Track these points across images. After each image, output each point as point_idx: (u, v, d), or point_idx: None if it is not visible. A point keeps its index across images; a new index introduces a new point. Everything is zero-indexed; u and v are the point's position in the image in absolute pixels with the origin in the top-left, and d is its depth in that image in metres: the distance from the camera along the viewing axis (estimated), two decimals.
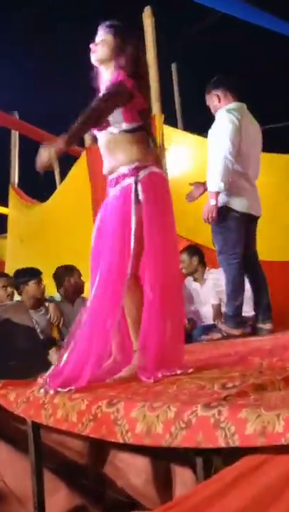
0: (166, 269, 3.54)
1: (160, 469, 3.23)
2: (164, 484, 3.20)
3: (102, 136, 3.63)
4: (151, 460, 3.27)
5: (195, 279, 6.94)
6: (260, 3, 9.58)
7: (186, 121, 10.18)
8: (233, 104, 5.64)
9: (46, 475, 3.50)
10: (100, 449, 3.47)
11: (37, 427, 3.42)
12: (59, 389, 3.29)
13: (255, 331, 5.59)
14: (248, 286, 5.71)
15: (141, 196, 3.54)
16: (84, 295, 6.63)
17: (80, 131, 3.54)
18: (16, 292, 6.61)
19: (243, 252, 5.58)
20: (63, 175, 10.39)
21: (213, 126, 5.63)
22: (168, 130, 7.70)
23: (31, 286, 6.40)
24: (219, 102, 5.68)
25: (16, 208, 10.91)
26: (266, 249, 5.83)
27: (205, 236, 6.85)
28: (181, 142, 8.21)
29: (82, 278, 6.76)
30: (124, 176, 3.59)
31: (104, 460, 3.49)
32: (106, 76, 3.69)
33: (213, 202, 5.39)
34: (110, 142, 3.62)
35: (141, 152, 3.63)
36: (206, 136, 5.95)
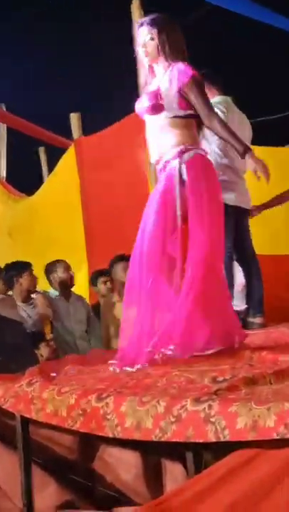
0: (212, 246, 3.66)
1: (150, 464, 3.21)
2: (154, 479, 3.18)
3: (154, 121, 3.81)
4: (141, 455, 3.25)
5: None
6: None
7: None
8: (218, 98, 5.61)
9: (35, 470, 3.47)
10: (90, 443, 3.44)
11: (26, 421, 3.39)
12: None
13: (245, 325, 5.57)
14: (239, 280, 5.69)
15: (185, 176, 3.70)
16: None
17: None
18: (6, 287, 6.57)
19: (238, 246, 5.55)
20: (51, 167, 10.35)
21: None
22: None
23: (25, 278, 6.37)
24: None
25: (3, 202, 10.84)
26: (257, 243, 5.80)
27: None
28: None
29: (71, 270, 6.72)
30: (170, 160, 3.76)
31: (94, 455, 3.47)
32: (160, 71, 3.88)
33: None
34: (162, 127, 3.79)
35: (189, 136, 3.82)
36: None
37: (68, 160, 8.67)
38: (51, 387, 3.23)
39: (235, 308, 5.61)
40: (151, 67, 3.91)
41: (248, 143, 5.70)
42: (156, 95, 3.78)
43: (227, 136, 3.87)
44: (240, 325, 3.84)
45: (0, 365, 4.05)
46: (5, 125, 10.87)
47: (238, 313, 5.69)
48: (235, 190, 5.52)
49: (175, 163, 3.73)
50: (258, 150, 6.01)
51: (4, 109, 10.53)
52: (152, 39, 3.80)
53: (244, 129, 5.67)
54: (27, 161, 12.10)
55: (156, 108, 3.78)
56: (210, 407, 2.40)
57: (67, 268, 6.73)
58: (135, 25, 7.08)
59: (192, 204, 3.66)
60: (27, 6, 12.47)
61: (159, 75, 3.88)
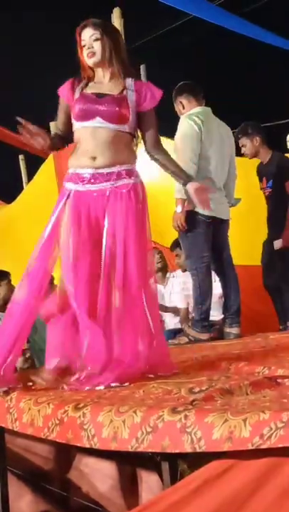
0: (142, 271, 3.52)
1: (126, 474, 3.21)
2: (129, 489, 3.18)
3: (107, 130, 3.53)
4: (117, 465, 3.25)
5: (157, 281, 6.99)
6: (230, 6, 9.63)
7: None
8: (196, 109, 5.65)
9: (11, 480, 3.46)
10: (66, 454, 3.44)
11: (1, 431, 3.38)
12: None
13: (222, 335, 5.59)
14: (215, 290, 5.71)
15: (141, 196, 3.59)
16: None
17: None
18: None
19: (216, 256, 5.58)
20: (30, 176, 10.34)
21: (176, 132, 5.63)
22: (137, 133, 7.67)
23: (2, 287, 6.35)
24: (183, 108, 5.70)
25: None
26: (234, 253, 5.82)
27: (168, 239, 6.86)
28: None
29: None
30: (130, 173, 3.58)
31: (70, 465, 3.46)
32: (103, 75, 3.64)
33: (179, 209, 5.39)
34: (115, 137, 3.53)
35: (136, 155, 3.67)
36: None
37: (47, 168, 8.68)
38: (28, 396, 3.22)
39: (212, 318, 5.64)
40: (91, 69, 3.65)
41: (229, 157, 5.73)
42: (123, 104, 3.55)
43: (171, 165, 3.85)
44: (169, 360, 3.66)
45: None
46: None
47: (214, 323, 5.72)
48: (211, 200, 5.53)
49: (137, 180, 3.61)
50: (239, 161, 6.06)
51: None
52: (97, 40, 3.57)
53: (223, 142, 5.70)
54: (6, 169, 12.09)
55: (122, 117, 3.55)
56: (186, 417, 2.40)
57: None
58: None
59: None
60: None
61: (101, 79, 3.64)
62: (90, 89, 3.62)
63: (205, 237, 5.51)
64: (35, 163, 9.52)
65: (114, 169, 3.52)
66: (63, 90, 3.67)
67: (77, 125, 3.60)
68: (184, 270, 6.46)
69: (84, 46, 3.59)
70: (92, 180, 3.52)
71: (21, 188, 10.94)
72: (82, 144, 3.59)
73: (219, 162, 5.63)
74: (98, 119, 3.51)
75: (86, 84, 3.64)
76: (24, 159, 11.55)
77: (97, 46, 3.57)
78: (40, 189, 9.11)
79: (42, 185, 8.99)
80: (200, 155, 5.44)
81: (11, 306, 3.63)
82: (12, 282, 6.50)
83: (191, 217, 5.44)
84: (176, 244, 6.45)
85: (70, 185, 3.59)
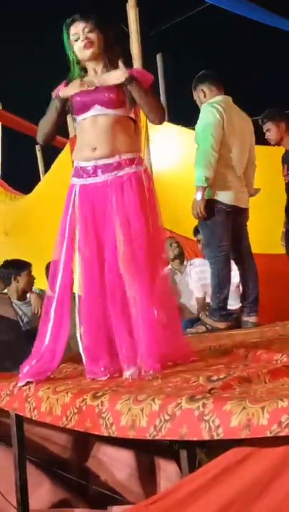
0: (152, 259, 3.49)
1: (144, 463, 3.23)
2: (148, 478, 3.19)
3: (107, 117, 3.50)
4: (136, 454, 3.26)
5: (174, 270, 6.98)
6: None
7: (172, 113, 10.15)
8: (217, 98, 5.63)
9: (30, 469, 3.47)
10: (84, 442, 3.45)
11: (20, 420, 3.39)
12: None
13: (239, 324, 5.58)
14: (233, 279, 5.69)
15: (146, 184, 3.51)
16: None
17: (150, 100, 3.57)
18: (1, 284, 6.57)
19: (235, 245, 5.56)
20: (47, 166, 10.35)
21: (198, 120, 5.62)
22: (139, 118, 7.66)
23: (23, 277, 6.37)
24: (205, 96, 5.68)
25: (1, 201, 10.86)
26: (252, 241, 5.80)
27: (186, 227, 6.84)
28: (166, 133, 8.17)
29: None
30: (131, 162, 3.51)
31: (88, 454, 3.48)
32: (96, 68, 3.58)
33: (199, 197, 5.36)
34: (115, 124, 3.50)
35: (140, 143, 3.64)
36: (193, 129, 5.93)
37: (64, 159, 8.67)
38: (46, 385, 3.23)
39: (230, 306, 5.63)
40: (81, 67, 3.61)
41: (249, 146, 5.72)
42: (119, 90, 3.49)
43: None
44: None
45: None
46: (0, 123, 10.88)
47: (232, 312, 5.71)
48: (232, 189, 5.53)
49: (141, 168, 3.54)
50: (259, 149, 6.03)
51: (0, 108, 10.54)
52: (91, 31, 3.51)
53: (243, 130, 5.68)
54: (23, 160, 12.11)
55: (119, 102, 3.49)
56: (204, 405, 2.40)
57: None
58: (131, 25, 7.14)
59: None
60: (26, 6, 12.49)
61: (92, 75, 3.59)
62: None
63: (224, 226, 5.49)
64: (52, 153, 9.53)
65: (114, 159, 3.48)
66: (60, 88, 3.65)
67: (77, 119, 3.59)
68: None
69: (77, 40, 3.55)
70: (95, 173, 3.51)
71: (38, 179, 10.96)
72: (83, 135, 3.58)
73: (240, 150, 5.61)
74: (97, 106, 3.49)
75: (80, 80, 3.61)
76: (41, 149, 11.57)
77: (94, 37, 3.53)
78: (57, 179, 9.10)
79: (59, 175, 8.98)
80: (221, 143, 5.42)
81: (45, 301, 3.61)
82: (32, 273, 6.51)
83: (210, 205, 5.42)
84: (198, 230, 6.42)
85: (75, 180, 3.59)
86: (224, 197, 5.46)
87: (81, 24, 3.54)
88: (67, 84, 3.61)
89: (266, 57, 12.87)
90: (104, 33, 3.57)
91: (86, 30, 3.53)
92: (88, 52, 3.54)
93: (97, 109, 3.50)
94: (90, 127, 3.51)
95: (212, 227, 5.48)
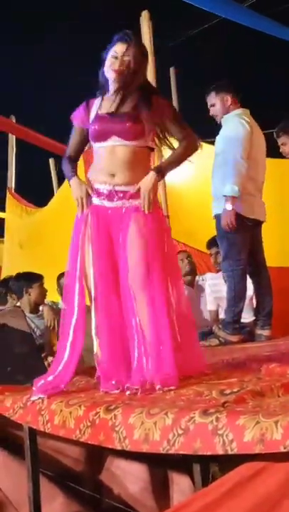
0: (165, 276, 3.51)
1: (157, 476, 3.21)
2: (161, 492, 3.18)
3: (125, 148, 3.50)
4: (149, 467, 3.25)
5: (187, 284, 6.97)
6: (258, 7, 9.60)
7: None
8: (241, 110, 5.63)
9: (43, 482, 3.47)
10: (97, 455, 3.44)
11: (33, 433, 3.39)
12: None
13: (253, 338, 5.57)
14: (247, 292, 5.68)
15: (157, 216, 3.57)
16: None
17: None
18: (14, 297, 6.59)
19: (251, 258, 5.54)
20: (61, 178, 10.38)
21: (224, 130, 5.59)
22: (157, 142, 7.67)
23: (35, 289, 6.39)
24: (230, 105, 5.65)
25: (13, 213, 10.90)
26: (267, 254, 5.79)
27: (198, 240, 6.84)
28: None
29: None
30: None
31: (101, 467, 3.47)
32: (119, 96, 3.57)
33: (230, 207, 5.32)
34: (133, 154, 3.51)
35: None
36: (206, 142, 5.90)
37: (78, 172, 8.69)
38: (59, 398, 3.24)
39: (243, 319, 5.62)
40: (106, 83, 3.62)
41: (264, 163, 5.71)
42: (137, 120, 3.49)
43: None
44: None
45: (8, 376, 4.05)
46: (14, 136, 10.93)
47: (245, 325, 5.70)
48: (254, 202, 5.52)
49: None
50: (270, 162, 6.04)
51: (14, 121, 10.59)
52: (128, 57, 3.51)
53: (262, 143, 5.69)
54: (37, 172, 12.15)
55: (137, 133, 3.49)
56: (217, 419, 2.40)
57: None
58: (145, 38, 7.17)
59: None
60: (40, 19, 12.55)
61: (113, 95, 3.58)
62: (104, 109, 3.59)
63: (244, 239, 5.48)
64: None
65: (131, 188, 3.50)
66: (77, 115, 3.67)
67: (94, 146, 3.61)
68: (220, 269, 6.42)
69: (116, 58, 3.54)
70: (109, 197, 3.53)
71: (52, 191, 10.99)
72: (100, 161, 3.59)
73: (260, 163, 5.62)
74: (114, 137, 3.50)
75: (100, 103, 3.63)
76: (54, 162, 11.61)
77: (127, 62, 3.54)
78: (70, 193, 9.13)
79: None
80: (248, 155, 5.41)
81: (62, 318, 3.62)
82: (44, 286, 6.53)
83: None
84: (212, 243, 6.40)
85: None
86: (246, 210, 5.45)
87: (123, 46, 3.54)
88: (86, 106, 3.63)
89: (278, 71, 12.88)
90: (139, 62, 3.57)
91: (126, 54, 3.52)
92: (112, 76, 3.55)
93: (115, 140, 3.50)
94: (108, 156, 3.53)
95: (232, 240, 5.45)
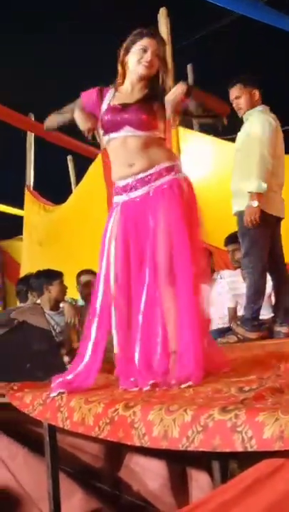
0: (194, 267, 3.49)
1: (176, 473, 3.22)
2: (180, 488, 3.19)
3: (137, 138, 3.52)
4: (168, 464, 3.26)
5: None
6: (277, 4, 9.56)
7: (202, 123, 10.13)
8: (263, 106, 5.60)
9: (62, 478, 3.49)
10: (116, 452, 3.46)
11: (53, 429, 3.41)
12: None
13: (271, 334, 5.55)
14: (268, 289, 5.66)
15: (186, 190, 3.54)
16: None
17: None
18: (35, 294, 6.62)
19: (270, 255, 5.52)
20: (79, 176, 10.41)
21: (249, 126, 5.55)
22: (183, 131, 7.67)
23: (55, 286, 6.41)
24: (256, 100, 5.61)
25: (32, 211, 10.94)
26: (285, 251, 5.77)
27: (216, 237, 6.82)
28: (197, 143, 8.18)
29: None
30: (170, 169, 3.54)
31: (120, 464, 3.48)
32: (135, 89, 3.61)
33: (256, 204, 5.28)
34: (146, 143, 3.52)
35: (172, 153, 3.69)
36: (223, 139, 5.89)
37: (96, 169, 8.72)
38: (78, 395, 3.25)
39: (262, 316, 5.60)
40: (124, 75, 3.64)
41: (283, 153, 5.69)
42: (149, 111, 3.54)
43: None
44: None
45: (27, 373, 4.07)
46: (33, 134, 10.96)
47: (263, 322, 5.68)
48: (276, 199, 5.50)
49: (181, 175, 3.58)
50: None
51: (33, 119, 10.62)
52: (157, 55, 3.55)
53: (282, 139, 5.67)
54: (55, 170, 12.17)
55: (150, 124, 3.53)
56: (237, 416, 2.40)
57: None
58: (162, 34, 7.15)
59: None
60: (59, 19, 12.58)
61: (127, 88, 3.64)
62: (117, 100, 3.62)
63: (266, 236, 5.45)
64: (83, 163, 9.58)
65: (153, 170, 3.51)
66: (89, 95, 3.68)
67: (106, 138, 3.61)
68: (238, 266, 6.40)
69: (144, 52, 3.56)
70: (135, 187, 3.53)
71: (70, 189, 11.02)
72: (115, 155, 3.61)
73: (282, 161, 5.59)
74: (127, 127, 3.52)
75: (113, 95, 3.64)
76: (72, 160, 11.63)
77: (156, 61, 3.57)
78: (89, 190, 9.15)
79: (90, 186, 9.04)
80: (273, 152, 5.40)
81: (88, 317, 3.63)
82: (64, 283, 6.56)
83: None
84: (231, 239, 6.38)
85: (117, 199, 3.63)
86: (269, 206, 5.43)
87: (154, 43, 3.57)
88: (99, 92, 3.64)
89: None
90: (162, 61, 3.60)
91: (156, 51, 3.56)
92: (145, 72, 3.57)
93: (127, 131, 3.52)
94: (121, 147, 3.54)
95: (254, 236, 5.42)
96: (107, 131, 3.58)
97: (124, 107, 3.54)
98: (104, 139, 3.63)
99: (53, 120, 3.83)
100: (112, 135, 3.56)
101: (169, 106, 3.48)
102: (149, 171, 3.50)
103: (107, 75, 3.75)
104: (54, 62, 12.94)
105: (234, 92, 5.66)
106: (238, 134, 5.67)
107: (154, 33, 3.62)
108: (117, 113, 3.54)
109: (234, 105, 5.63)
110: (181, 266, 3.39)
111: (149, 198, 3.49)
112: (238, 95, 5.64)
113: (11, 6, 12.63)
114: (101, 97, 3.64)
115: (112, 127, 3.54)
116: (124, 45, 3.62)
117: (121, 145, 3.53)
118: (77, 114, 3.62)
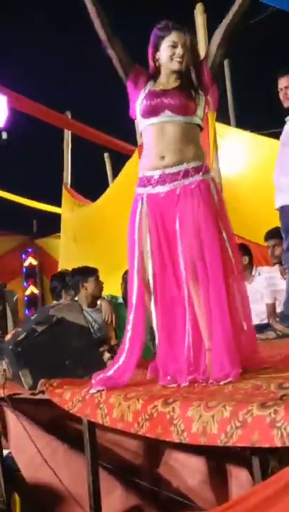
0: (224, 266, 3.47)
1: (215, 469, 3.21)
2: (219, 484, 3.18)
3: (175, 125, 3.51)
4: (207, 460, 3.25)
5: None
6: None
7: (240, 118, 10.10)
8: None
9: (102, 475, 3.50)
10: (155, 448, 3.46)
11: (92, 426, 3.42)
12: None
13: None
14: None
15: (214, 191, 3.52)
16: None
17: None
18: (69, 293, 6.65)
19: None
20: (116, 173, 10.42)
21: None
22: (220, 127, 7.64)
23: (90, 283, 6.44)
24: None
25: (68, 208, 10.98)
26: None
27: (254, 233, 6.79)
28: (234, 139, 8.14)
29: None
30: (198, 170, 3.51)
31: (159, 460, 3.48)
32: (170, 80, 3.62)
33: None
34: (184, 132, 3.51)
35: (203, 151, 3.62)
36: (261, 134, 5.84)
37: (132, 166, 8.71)
38: (117, 392, 3.25)
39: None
40: (158, 69, 3.64)
41: None
42: (188, 96, 3.53)
43: None
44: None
45: (67, 370, 4.09)
46: (70, 132, 11.00)
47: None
48: None
49: (209, 176, 3.54)
50: None
51: (70, 117, 10.66)
52: (187, 49, 3.54)
53: None
54: (92, 167, 12.20)
55: (189, 108, 3.52)
56: (276, 412, 2.39)
57: None
58: (199, 31, 7.14)
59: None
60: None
61: (164, 79, 3.63)
62: (156, 87, 3.62)
63: None
64: (120, 160, 9.59)
65: (182, 167, 3.48)
66: (141, 70, 3.68)
67: (144, 123, 3.60)
68: (278, 262, 6.34)
69: (174, 47, 3.56)
70: (162, 181, 3.52)
71: (107, 186, 11.03)
72: (150, 144, 3.58)
73: None
74: (167, 112, 3.50)
75: (152, 84, 3.63)
76: (109, 157, 11.65)
77: (187, 55, 3.56)
78: (125, 187, 9.15)
79: (126, 182, 9.03)
80: None
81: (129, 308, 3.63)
82: (100, 279, 6.58)
83: None
84: (271, 234, 6.33)
85: (140, 190, 3.60)
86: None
87: (183, 37, 3.57)
88: (147, 74, 3.64)
89: None
90: (192, 53, 3.59)
91: (186, 46, 3.56)
92: (178, 68, 3.57)
93: (166, 115, 3.51)
94: (158, 135, 3.52)
95: None
96: (145, 116, 3.57)
97: (164, 91, 3.55)
98: (141, 125, 3.61)
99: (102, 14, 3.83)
100: (151, 120, 3.55)
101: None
102: (178, 167, 3.48)
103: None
104: (90, 62, 12.98)
105: (284, 81, 5.46)
106: (285, 127, 5.59)
107: (180, 25, 3.60)
108: (158, 97, 3.54)
109: (281, 95, 5.50)
110: (211, 265, 3.38)
111: (176, 197, 3.48)
112: (287, 85, 5.54)
113: (46, 6, 12.68)
114: (146, 78, 3.64)
115: (151, 112, 3.54)
116: (153, 40, 3.63)
117: (158, 133, 3.52)
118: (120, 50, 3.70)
